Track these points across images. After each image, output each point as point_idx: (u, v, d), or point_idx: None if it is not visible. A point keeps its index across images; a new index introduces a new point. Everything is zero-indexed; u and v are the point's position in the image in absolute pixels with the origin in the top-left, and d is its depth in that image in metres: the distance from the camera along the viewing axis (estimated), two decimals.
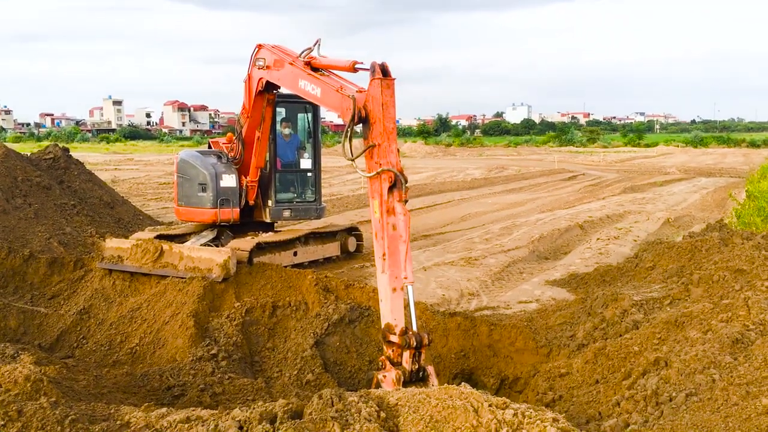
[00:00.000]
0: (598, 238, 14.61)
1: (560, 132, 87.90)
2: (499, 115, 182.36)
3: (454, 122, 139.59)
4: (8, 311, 9.18)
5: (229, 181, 10.97)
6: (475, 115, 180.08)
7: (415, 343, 5.92)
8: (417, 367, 5.96)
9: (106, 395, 5.51)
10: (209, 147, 12.03)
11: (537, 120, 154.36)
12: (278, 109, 11.11)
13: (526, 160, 50.01)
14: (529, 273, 11.85)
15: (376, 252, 6.24)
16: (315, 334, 7.85)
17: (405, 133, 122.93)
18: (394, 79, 6.42)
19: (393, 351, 5.99)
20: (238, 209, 10.93)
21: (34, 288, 10.07)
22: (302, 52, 8.17)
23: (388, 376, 5.89)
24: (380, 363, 6.05)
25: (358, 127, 6.58)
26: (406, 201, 6.19)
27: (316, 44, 7.96)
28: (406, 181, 6.23)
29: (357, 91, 6.75)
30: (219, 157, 11.10)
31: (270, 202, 11.30)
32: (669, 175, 34.45)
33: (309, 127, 11.67)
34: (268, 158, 11.16)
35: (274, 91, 10.01)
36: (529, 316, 8.93)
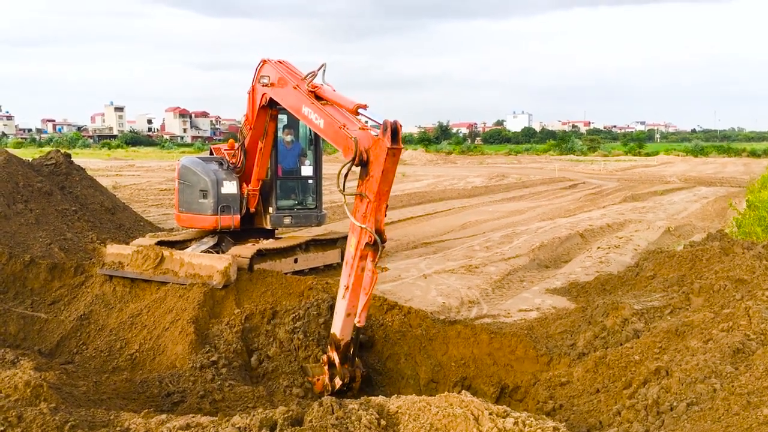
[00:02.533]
0: (598, 247, 14.61)
1: (561, 140, 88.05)
2: (499, 123, 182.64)
3: (454, 130, 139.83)
4: (8, 317, 9.17)
5: (230, 188, 10.99)
6: (475, 123, 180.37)
7: (347, 379, 6.73)
8: (344, 385, 6.74)
9: (106, 401, 5.51)
10: (211, 153, 12.05)
11: (538, 128, 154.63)
12: (280, 116, 11.11)
13: (526, 168, 50.05)
14: (530, 281, 11.85)
15: (342, 279, 6.73)
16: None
17: (405, 140, 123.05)
18: (401, 148, 6.50)
19: (332, 361, 6.76)
20: (239, 216, 10.95)
21: (34, 293, 10.06)
22: (307, 76, 8.14)
23: (320, 381, 6.81)
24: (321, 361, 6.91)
25: None
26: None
27: (320, 69, 7.86)
28: (384, 242, 6.61)
29: (360, 128, 6.80)
30: (220, 164, 11.13)
31: (271, 209, 11.31)
32: (669, 184, 34.48)
33: (310, 134, 11.65)
34: (270, 166, 11.18)
35: (277, 107, 9.98)
36: (529, 324, 8.92)
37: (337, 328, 6.74)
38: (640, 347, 6.42)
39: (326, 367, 6.78)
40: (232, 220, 10.96)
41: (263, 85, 9.45)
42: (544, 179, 37.38)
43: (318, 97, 7.87)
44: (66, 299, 9.78)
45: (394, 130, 6.26)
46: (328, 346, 6.87)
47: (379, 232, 6.60)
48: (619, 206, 23.54)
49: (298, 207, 11.66)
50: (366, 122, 7.12)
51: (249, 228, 11.28)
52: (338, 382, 6.71)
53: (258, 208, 11.21)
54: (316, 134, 11.54)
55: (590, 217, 19.86)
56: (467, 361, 7.70)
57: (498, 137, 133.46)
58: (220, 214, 10.89)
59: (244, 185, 10.93)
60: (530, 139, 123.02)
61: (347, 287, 6.60)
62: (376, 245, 6.52)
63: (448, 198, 26.75)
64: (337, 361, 6.72)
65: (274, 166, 11.29)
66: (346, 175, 6.69)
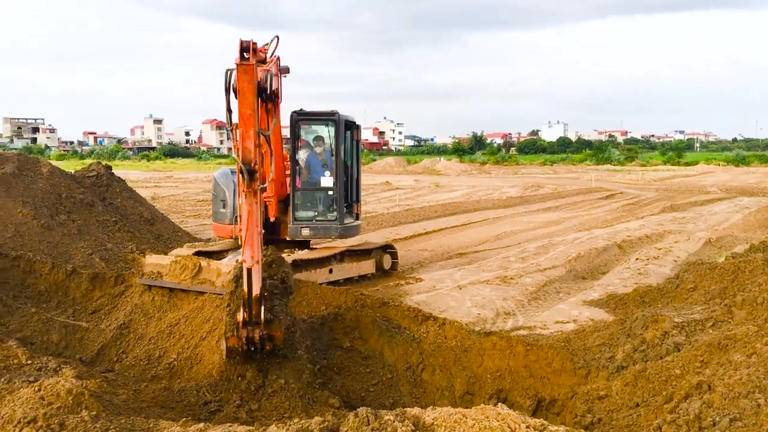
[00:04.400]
0: (637, 258, 14.38)
1: (597, 150, 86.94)
2: (534, 133, 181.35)
3: (489, 140, 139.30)
4: (51, 325, 9.37)
5: None
6: (510, 133, 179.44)
7: (257, 335, 6.62)
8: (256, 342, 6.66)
9: (145, 410, 5.58)
10: None
11: (573, 138, 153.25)
12: (304, 126, 11.31)
13: (562, 178, 49.56)
14: (566, 293, 11.71)
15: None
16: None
17: (440, 150, 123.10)
18: (251, 64, 6.32)
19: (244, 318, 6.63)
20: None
21: (76, 303, 10.27)
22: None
23: (233, 337, 6.67)
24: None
25: None
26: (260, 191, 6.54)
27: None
28: (252, 174, 6.41)
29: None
30: None
31: (289, 220, 11.35)
32: (710, 194, 33.79)
33: (332, 145, 11.54)
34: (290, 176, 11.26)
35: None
36: (566, 336, 8.81)
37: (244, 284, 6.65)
38: (681, 361, 6.29)
39: (240, 324, 6.66)
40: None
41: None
42: (581, 189, 36.96)
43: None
44: (106, 308, 9.96)
45: (243, 47, 6.25)
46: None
47: (247, 162, 6.39)
48: (658, 217, 23.14)
49: (317, 219, 11.49)
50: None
51: (275, 238, 11.21)
52: (244, 335, 6.61)
53: (280, 218, 11.29)
54: (337, 145, 11.43)
55: (628, 228, 19.56)
56: (503, 374, 7.63)
57: (533, 147, 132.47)
58: (236, 223, 10.99)
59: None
60: (566, 149, 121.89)
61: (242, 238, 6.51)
62: (242, 174, 6.36)
63: (483, 208, 26.62)
64: (240, 317, 6.63)
65: (292, 176, 11.34)
66: (228, 108, 6.60)
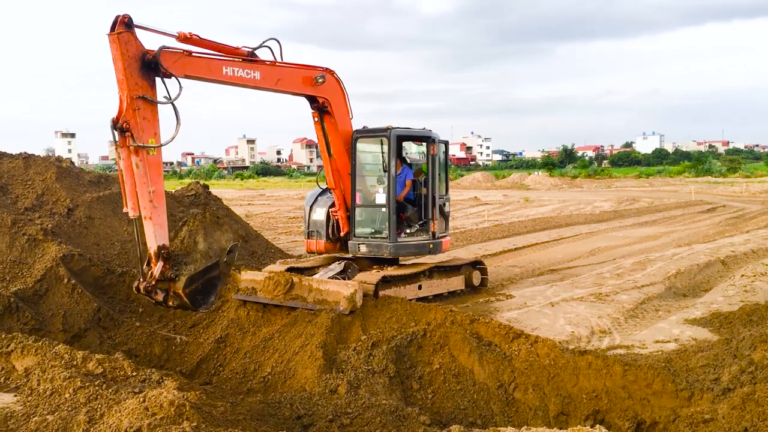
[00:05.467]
0: (742, 275, 13.62)
1: (696, 162, 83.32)
2: (628, 145, 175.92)
3: (579, 153, 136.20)
4: (153, 338, 9.82)
5: (319, 214, 11.78)
6: (602, 146, 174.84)
7: (155, 284, 7.71)
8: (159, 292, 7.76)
9: (242, 422, 5.73)
10: None
11: (670, 149, 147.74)
12: (361, 142, 11.48)
13: (659, 191, 47.74)
14: (666, 311, 11.23)
15: None
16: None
17: (528, 165, 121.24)
18: (116, 34, 7.52)
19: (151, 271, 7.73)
20: (324, 240, 11.62)
21: (176, 317, 10.71)
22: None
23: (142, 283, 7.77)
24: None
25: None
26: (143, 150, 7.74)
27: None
28: (123, 132, 7.58)
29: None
30: (331, 193, 11.58)
31: (351, 236, 11.57)
32: None
33: (384, 161, 11.44)
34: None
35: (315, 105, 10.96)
36: (666, 356, 8.44)
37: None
38: None
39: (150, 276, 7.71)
40: (316, 245, 11.78)
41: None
42: (679, 203, 35.47)
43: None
44: (204, 323, 10.34)
45: (114, 21, 7.53)
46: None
47: (117, 120, 7.58)
48: (765, 231, 21.85)
49: (372, 235, 11.48)
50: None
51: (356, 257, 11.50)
52: (142, 285, 7.71)
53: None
54: (389, 161, 11.29)
55: (732, 243, 18.57)
56: (599, 394, 7.38)
57: (627, 160, 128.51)
58: (308, 238, 11.78)
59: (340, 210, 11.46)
60: (662, 160, 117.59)
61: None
62: (114, 132, 7.59)
63: (575, 223, 25.98)
64: (150, 269, 7.72)
65: (352, 193, 11.48)
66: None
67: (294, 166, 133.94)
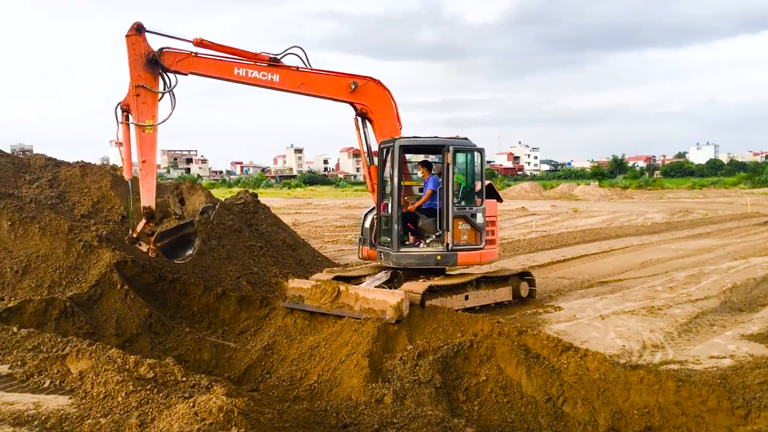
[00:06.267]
0: None
1: (753, 172, 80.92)
2: (681, 155, 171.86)
3: (630, 163, 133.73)
4: (203, 344, 9.97)
5: (367, 221, 12.18)
6: (654, 156, 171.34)
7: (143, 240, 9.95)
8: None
9: (288, 429, 5.76)
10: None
11: (725, 160, 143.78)
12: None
13: (713, 203, 46.47)
14: (721, 326, 10.89)
15: None
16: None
17: (577, 175, 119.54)
18: (127, 35, 9.79)
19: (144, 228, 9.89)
20: (367, 247, 12.10)
21: (225, 323, 10.87)
22: None
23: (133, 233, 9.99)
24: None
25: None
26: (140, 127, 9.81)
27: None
28: (124, 111, 9.79)
29: None
30: None
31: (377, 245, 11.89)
32: None
33: (392, 170, 11.41)
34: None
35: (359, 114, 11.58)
36: (722, 373, 8.18)
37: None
38: None
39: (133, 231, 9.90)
40: (361, 251, 12.33)
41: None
42: (735, 215, 34.45)
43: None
44: (252, 330, 10.46)
45: (132, 27, 9.83)
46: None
47: (124, 105, 9.78)
48: None
49: (387, 244, 11.45)
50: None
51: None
52: (130, 238, 9.96)
53: None
54: (393, 170, 11.23)
55: None
56: (651, 410, 7.20)
57: (680, 170, 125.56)
58: (361, 245, 12.36)
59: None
60: (717, 171, 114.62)
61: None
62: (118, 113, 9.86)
63: (626, 235, 25.46)
64: (140, 225, 9.84)
65: (378, 201, 11.70)
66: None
67: (341, 176, 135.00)
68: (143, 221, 9.80)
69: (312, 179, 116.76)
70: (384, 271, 11.54)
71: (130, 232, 9.98)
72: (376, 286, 10.69)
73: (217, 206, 11.10)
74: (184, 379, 6.94)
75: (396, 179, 11.08)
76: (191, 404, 5.31)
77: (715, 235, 25.47)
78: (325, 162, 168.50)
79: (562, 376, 7.72)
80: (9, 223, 11.38)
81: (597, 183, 70.54)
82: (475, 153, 11.47)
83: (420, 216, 11.58)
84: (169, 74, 9.97)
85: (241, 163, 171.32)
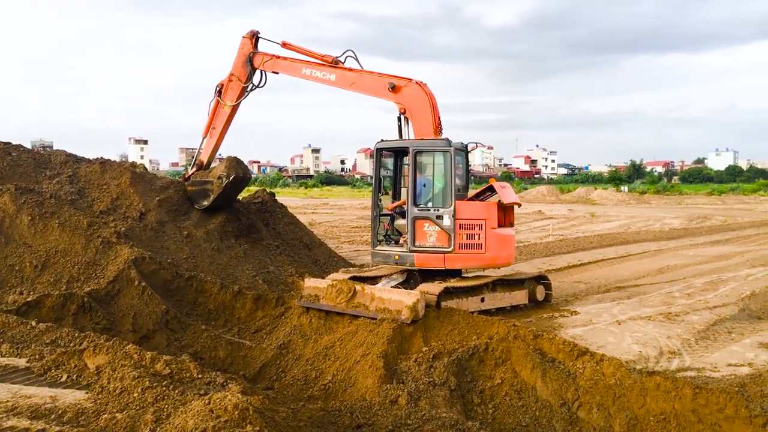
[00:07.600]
0: None
1: None
2: (700, 161, 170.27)
3: (648, 169, 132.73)
4: (218, 342, 10.02)
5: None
6: (672, 161, 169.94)
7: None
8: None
9: (303, 428, 5.77)
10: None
11: (744, 166, 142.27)
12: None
13: (732, 209, 45.98)
14: (740, 333, 10.77)
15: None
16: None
17: (595, 179, 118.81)
18: (243, 37, 14.23)
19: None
20: None
21: (240, 322, 10.91)
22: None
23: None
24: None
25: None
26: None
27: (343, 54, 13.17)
28: (217, 90, 14.53)
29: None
30: None
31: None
32: None
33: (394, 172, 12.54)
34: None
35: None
36: (740, 381, 8.09)
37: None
38: None
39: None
40: None
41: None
42: (754, 221, 34.08)
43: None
44: (268, 328, 10.49)
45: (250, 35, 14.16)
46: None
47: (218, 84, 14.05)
48: None
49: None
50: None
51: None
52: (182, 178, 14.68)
53: None
54: (375, 171, 12.12)
55: None
56: (668, 417, 7.13)
57: (698, 176, 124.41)
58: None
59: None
60: (736, 178, 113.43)
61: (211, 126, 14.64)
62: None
63: (643, 240, 25.26)
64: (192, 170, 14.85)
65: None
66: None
67: (357, 176, 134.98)
68: (194, 168, 15.13)
69: (329, 179, 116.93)
70: (399, 272, 11.53)
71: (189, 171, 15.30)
72: (392, 287, 10.68)
73: (228, 174, 14.28)
74: (200, 376, 6.97)
75: (375, 181, 12.06)
76: (206, 401, 5.33)
77: (734, 241, 25.21)
78: (342, 162, 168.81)
79: (578, 380, 7.67)
80: (29, 218, 11.50)
81: (625, 188, 69.91)
82: (445, 154, 11.21)
83: (396, 216, 11.98)
84: (259, 71, 14.00)
85: (259, 162, 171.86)
